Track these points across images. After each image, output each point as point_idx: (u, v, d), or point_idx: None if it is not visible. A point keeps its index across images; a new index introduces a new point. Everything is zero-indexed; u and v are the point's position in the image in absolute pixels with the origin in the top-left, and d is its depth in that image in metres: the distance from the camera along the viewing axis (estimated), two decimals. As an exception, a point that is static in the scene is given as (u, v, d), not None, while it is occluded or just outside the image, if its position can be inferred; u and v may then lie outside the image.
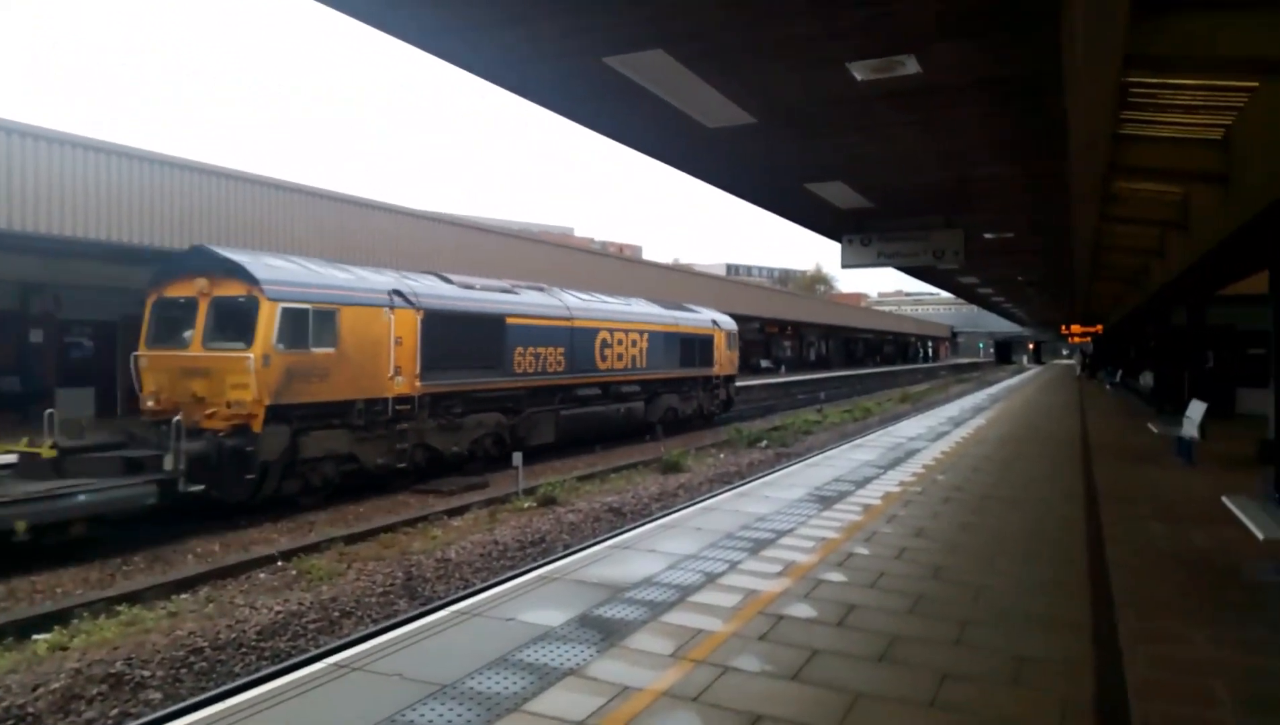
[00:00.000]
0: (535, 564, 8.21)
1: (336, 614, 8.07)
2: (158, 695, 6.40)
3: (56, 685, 6.21)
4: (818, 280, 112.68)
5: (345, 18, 6.27)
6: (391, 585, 8.84)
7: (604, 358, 20.76)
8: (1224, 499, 7.21)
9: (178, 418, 11.10)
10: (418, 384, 14.65)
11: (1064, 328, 49.48)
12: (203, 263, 12.70)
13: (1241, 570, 6.71)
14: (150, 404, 12.38)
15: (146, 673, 6.65)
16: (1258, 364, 18.73)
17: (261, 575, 9.48)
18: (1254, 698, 4.36)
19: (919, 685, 4.47)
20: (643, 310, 23.58)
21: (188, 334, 12.53)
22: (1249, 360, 20.70)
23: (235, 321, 12.31)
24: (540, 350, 18.25)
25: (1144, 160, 10.49)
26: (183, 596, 8.71)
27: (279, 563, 9.84)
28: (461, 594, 7.77)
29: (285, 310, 12.33)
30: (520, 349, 17.54)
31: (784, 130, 9.43)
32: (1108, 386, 39.28)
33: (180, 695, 6.41)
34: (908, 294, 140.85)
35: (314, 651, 6.69)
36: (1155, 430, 14.91)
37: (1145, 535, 8.01)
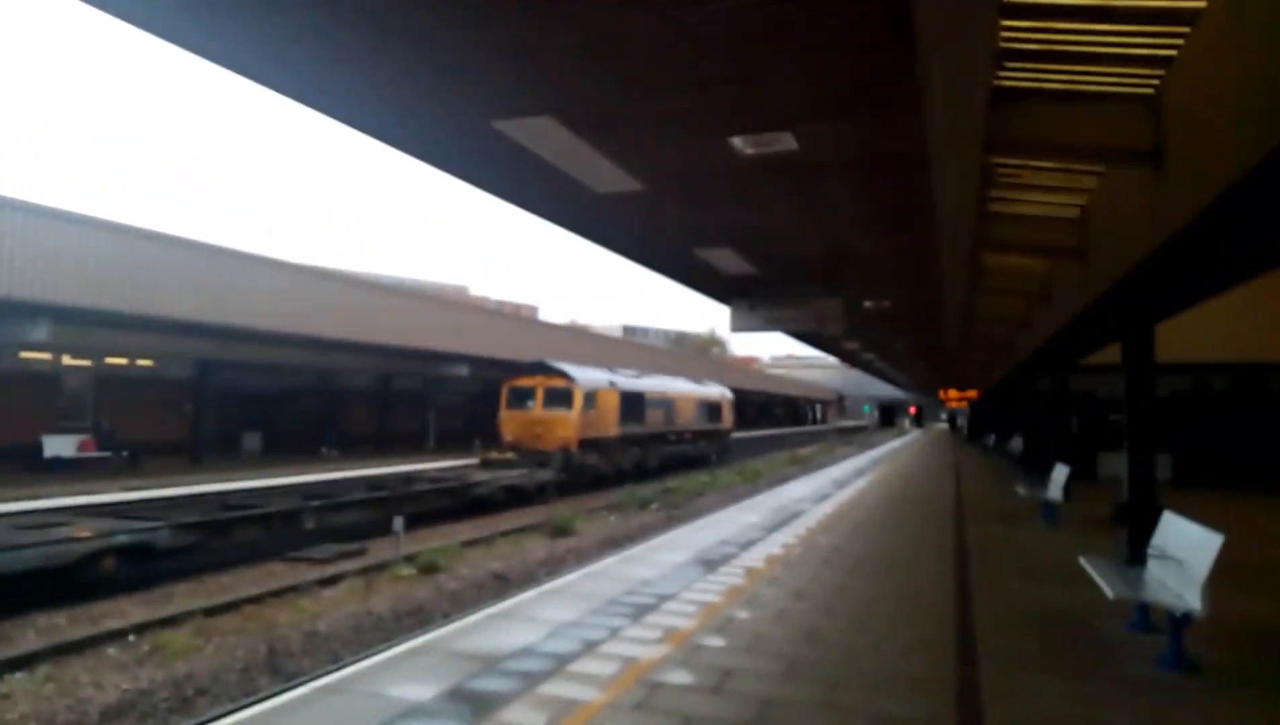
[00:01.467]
0: (408, 635, 7.89)
1: (191, 692, 7.55)
2: (-23, 789, 5.81)
3: None
4: (712, 343, 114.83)
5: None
6: (253, 660, 8.33)
7: (678, 417, 34.66)
8: (1080, 559, 7.57)
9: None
10: (618, 431, 28.06)
11: (941, 393, 51.59)
12: (540, 368, 26.27)
13: (1092, 627, 7.05)
14: (509, 440, 25.15)
15: (-34, 764, 6.05)
16: (1117, 429, 19.93)
17: (111, 651, 8.80)
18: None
19: (789, 751, 4.47)
20: (689, 387, 37.82)
21: (530, 404, 25.57)
22: (1109, 426, 22.04)
23: (560, 398, 25.33)
24: (655, 412, 31.98)
25: (1009, 236, 11.18)
26: (17, 675, 7.98)
27: (131, 637, 9.16)
28: (326, 669, 7.36)
29: (584, 393, 25.55)
30: (649, 412, 31.21)
31: (671, 199, 9.63)
32: (981, 450, 41.08)
33: (4, 788, 5.84)
34: (798, 358, 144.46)
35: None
36: (1022, 493, 15.60)
37: (1009, 595, 8.33)
